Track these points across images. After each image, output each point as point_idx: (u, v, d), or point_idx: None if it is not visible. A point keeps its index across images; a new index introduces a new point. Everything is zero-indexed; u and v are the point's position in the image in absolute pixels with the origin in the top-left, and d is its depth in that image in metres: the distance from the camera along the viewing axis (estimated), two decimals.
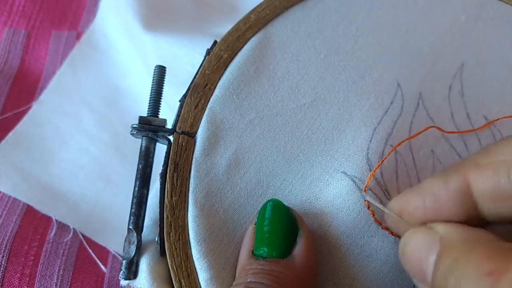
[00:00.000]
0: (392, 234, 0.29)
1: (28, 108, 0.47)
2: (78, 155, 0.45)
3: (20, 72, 0.50)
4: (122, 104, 0.49)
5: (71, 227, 0.41)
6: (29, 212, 0.41)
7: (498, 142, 0.24)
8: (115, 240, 0.41)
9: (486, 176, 0.23)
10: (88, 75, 0.50)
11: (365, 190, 0.29)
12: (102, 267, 0.38)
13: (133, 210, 0.29)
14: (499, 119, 0.33)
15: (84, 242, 0.40)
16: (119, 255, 0.40)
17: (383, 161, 0.30)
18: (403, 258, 0.25)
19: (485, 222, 0.24)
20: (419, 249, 0.24)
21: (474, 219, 0.24)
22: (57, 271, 0.37)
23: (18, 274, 0.36)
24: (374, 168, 0.30)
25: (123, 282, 0.29)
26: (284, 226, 0.27)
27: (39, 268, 0.37)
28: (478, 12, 0.35)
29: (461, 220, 0.24)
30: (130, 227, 0.29)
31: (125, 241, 0.29)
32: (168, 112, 0.33)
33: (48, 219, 0.41)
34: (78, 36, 0.53)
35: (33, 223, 0.40)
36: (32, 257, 0.37)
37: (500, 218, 0.23)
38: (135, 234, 0.29)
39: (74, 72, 0.50)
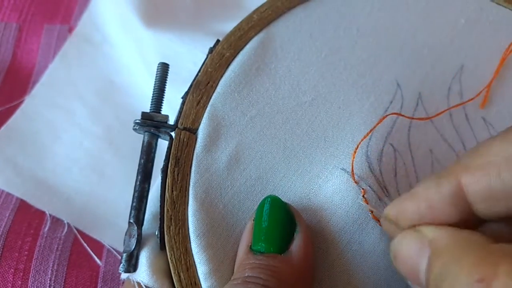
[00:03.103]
0: None
1: (21, 102, 0.47)
2: (72, 149, 0.45)
3: (12, 66, 0.50)
4: (115, 98, 0.48)
5: (65, 221, 0.40)
6: (23, 206, 0.40)
7: (486, 142, 0.24)
8: (109, 234, 0.41)
9: (478, 178, 0.23)
10: (81, 68, 0.49)
11: (353, 175, 0.30)
12: (97, 260, 0.38)
13: (134, 204, 0.30)
14: None
15: (78, 236, 0.40)
16: (114, 249, 0.40)
17: (357, 146, 0.31)
18: (396, 262, 0.25)
19: (481, 220, 0.24)
20: (411, 254, 0.24)
21: (470, 220, 0.24)
22: (51, 266, 0.37)
23: (12, 269, 0.36)
24: (367, 161, 0.30)
25: (123, 275, 0.29)
26: (282, 222, 0.27)
27: (33, 263, 0.36)
28: (478, 16, 0.36)
29: (456, 221, 0.24)
30: (131, 220, 0.29)
31: (125, 234, 0.29)
32: (169, 109, 0.33)
33: (41, 213, 0.40)
34: (70, 30, 0.52)
35: (26, 218, 0.39)
36: (26, 252, 0.37)
37: (495, 216, 0.24)
38: (135, 228, 0.29)
39: (66, 65, 0.49)
